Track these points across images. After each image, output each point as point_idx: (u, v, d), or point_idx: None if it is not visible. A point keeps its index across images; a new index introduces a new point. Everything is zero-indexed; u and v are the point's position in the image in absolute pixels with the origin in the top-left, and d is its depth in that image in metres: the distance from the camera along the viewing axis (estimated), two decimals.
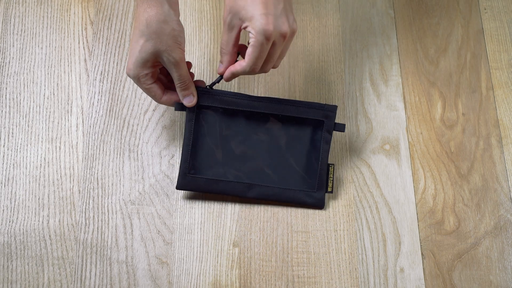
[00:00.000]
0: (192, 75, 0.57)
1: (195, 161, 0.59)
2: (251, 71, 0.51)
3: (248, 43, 0.49)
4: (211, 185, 0.59)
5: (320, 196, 0.59)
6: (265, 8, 0.47)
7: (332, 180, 0.59)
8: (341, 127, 0.58)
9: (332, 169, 0.59)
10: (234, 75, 0.53)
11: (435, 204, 0.61)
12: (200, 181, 0.58)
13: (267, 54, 0.50)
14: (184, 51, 0.52)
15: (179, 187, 0.59)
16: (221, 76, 0.54)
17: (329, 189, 0.59)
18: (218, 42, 0.67)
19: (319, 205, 0.60)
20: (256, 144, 0.59)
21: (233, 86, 0.65)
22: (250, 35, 0.48)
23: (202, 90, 0.57)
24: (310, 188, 0.59)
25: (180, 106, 0.57)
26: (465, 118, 0.65)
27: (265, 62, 0.51)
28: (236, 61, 0.54)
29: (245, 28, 0.49)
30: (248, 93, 0.64)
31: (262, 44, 0.48)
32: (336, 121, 0.64)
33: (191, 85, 0.55)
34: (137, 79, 0.52)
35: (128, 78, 0.65)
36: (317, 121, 0.59)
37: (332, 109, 0.58)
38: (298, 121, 0.59)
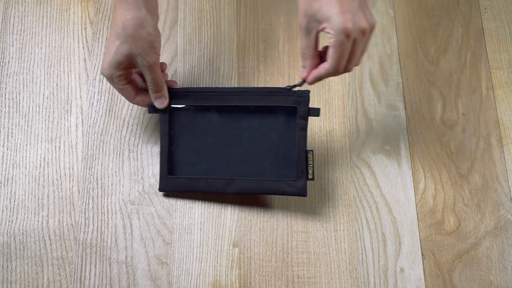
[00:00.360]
0: (165, 76, 0.58)
1: (174, 162, 0.59)
2: (335, 71, 0.50)
3: (328, 45, 0.49)
4: (191, 184, 0.59)
5: (300, 185, 0.57)
6: (341, 6, 0.46)
7: (313, 167, 0.57)
8: (315, 112, 0.57)
9: (312, 156, 0.57)
10: (318, 79, 0.52)
11: (435, 204, 0.61)
12: (180, 181, 0.59)
13: (350, 53, 0.49)
14: (158, 55, 0.53)
15: (161, 189, 0.59)
16: (304, 80, 0.53)
17: (310, 176, 0.57)
18: (218, 42, 0.67)
19: (301, 193, 0.57)
20: (232, 138, 0.59)
21: (232, 85, 0.65)
22: (329, 35, 0.47)
23: (172, 90, 0.57)
24: (290, 177, 0.57)
25: (153, 109, 0.57)
26: (465, 118, 0.65)
27: (348, 61, 0.50)
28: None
29: (323, 29, 0.48)
30: None
31: (343, 43, 0.47)
32: (337, 121, 0.64)
33: (163, 87, 0.56)
34: (111, 79, 0.53)
35: None
36: (290, 108, 0.57)
37: (304, 94, 0.56)
38: (271, 110, 0.58)
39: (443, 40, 0.68)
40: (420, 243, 0.60)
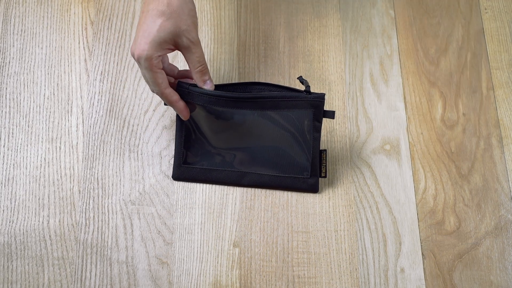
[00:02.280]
0: (175, 67, 0.58)
1: (189, 152, 0.60)
2: None
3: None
4: (205, 174, 0.60)
5: (313, 181, 0.60)
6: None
7: (325, 165, 0.60)
8: (330, 114, 0.57)
9: (325, 155, 0.60)
10: None
11: (436, 204, 0.61)
12: (194, 171, 0.60)
13: None
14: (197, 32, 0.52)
15: (174, 177, 0.60)
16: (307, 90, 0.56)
17: (323, 174, 0.60)
18: (218, 42, 0.67)
19: (313, 189, 0.60)
20: (249, 133, 0.59)
21: None
22: None
23: (188, 89, 0.55)
24: (304, 174, 0.60)
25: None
26: (466, 118, 0.65)
27: None
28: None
29: None
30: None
31: None
32: (337, 121, 0.64)
33: (208, 68, 0.55)
34: (149, 61, 0.50)
35: (129, 78, 0.65)
36: (306, 110, 0.58)
37: (320, 97, 0.56)
38: (288, 110, 0.59)
39: (443, 40, 0.68)
40: (421, 243, 0.60)
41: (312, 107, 0.57)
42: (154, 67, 0.51)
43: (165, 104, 0.57)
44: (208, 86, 0.55)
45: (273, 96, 0.56)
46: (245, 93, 0.56)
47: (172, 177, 0.61)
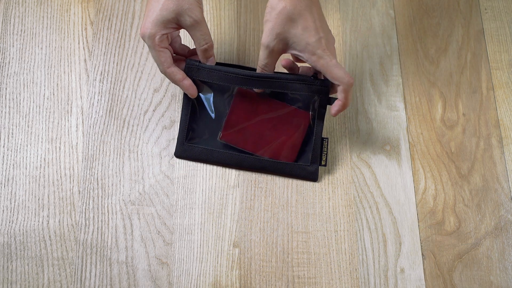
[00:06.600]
0: (186, 47, 0.60)
1: (193, 131, 0.61)
2: (350, 86, 0.53)
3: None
4: (206, 154, 0.61)
5: (313, 169, 0.60)
6: (317, 33, 0.50)
7: (326, 154, 0.60)
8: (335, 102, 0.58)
9: (326, 143, 0.60)
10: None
11: (436, 204, 0.61)
12: (196, 150, 0.61)
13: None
14: (203, 11, 0.53)
15: (177, 154, 0.61)
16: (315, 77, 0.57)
17: (323, 163, 0.60)
18: (218, 42, 0.67)
19: (312, 178, 0.61)
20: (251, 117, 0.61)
21: None
22: (308, 62, 0.52)
23: (198, 65, 0.57)
24: (304, 161, 0.60)
25: None
26: (466, 118, 0.65)
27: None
28: None
29: (295, 55, 0.52)
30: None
31: (331, 62, 0.52)
32: (337, 121, 0.64)
33: (213, 45, 0.56)
34: (152, 39, 0.52)
35: (128, 78, 0.65)
36: (310, 96, 0.59)
37: (325, 83, 0.57)
38: (292, 96, 0.60)
39: (443, 41, 0.68)
40: (421, 243, 0.60)
41: (317, 92, 0.57)
42: (156, 45, 0.53)
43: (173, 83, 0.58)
44: (210, 63, 0.57)
45: (281, 77, 0.57)
46: (254, 72, 0.57)
47: (175, 154, 0.61)
